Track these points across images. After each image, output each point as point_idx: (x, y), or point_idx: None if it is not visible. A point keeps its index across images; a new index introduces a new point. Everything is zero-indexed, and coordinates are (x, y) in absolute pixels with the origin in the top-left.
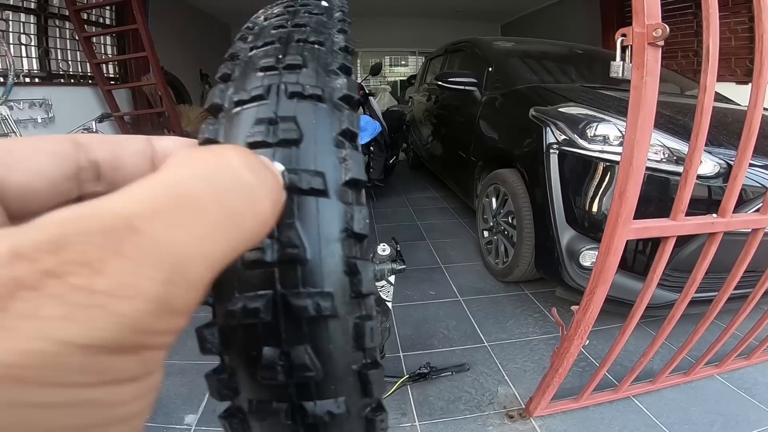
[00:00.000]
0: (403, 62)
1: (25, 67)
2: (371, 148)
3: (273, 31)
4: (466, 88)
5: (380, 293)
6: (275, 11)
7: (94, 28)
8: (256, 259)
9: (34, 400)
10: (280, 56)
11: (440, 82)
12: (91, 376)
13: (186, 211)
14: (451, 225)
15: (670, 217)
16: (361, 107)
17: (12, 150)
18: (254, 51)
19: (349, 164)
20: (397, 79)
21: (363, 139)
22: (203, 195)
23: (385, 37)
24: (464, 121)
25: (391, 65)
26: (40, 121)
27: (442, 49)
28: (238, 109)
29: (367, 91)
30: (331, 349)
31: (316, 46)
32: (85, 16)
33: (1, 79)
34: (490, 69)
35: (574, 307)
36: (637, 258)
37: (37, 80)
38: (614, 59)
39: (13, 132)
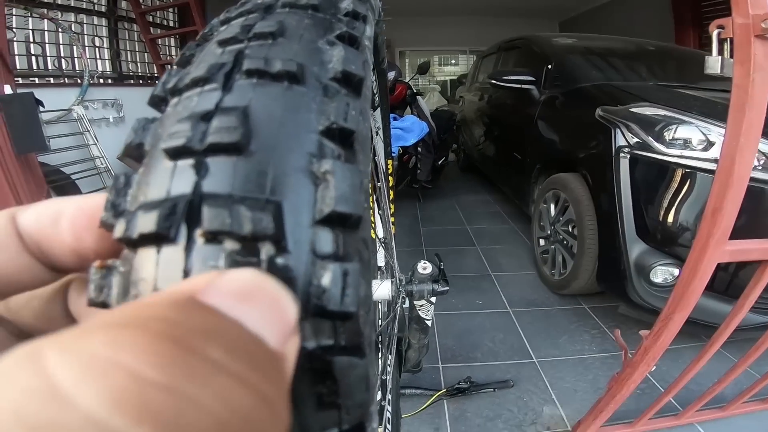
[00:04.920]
0: (453, 61)
1: (99, 68)
2: (419, 149)
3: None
4: (523, 86)
5: (419, 312)
6: None
7: (159, 31)
8: None
9: None
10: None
11: (494, 81)
12: None
13: None
14: (503, 231)
15: None
16: (408, 107)
17: None
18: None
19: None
20: (447, 78)
21: (409, 140)
22: None
23: (435, 36)
24: (520, 122)
25: (440, 64)
26: (111, 120)
27: (495, 46)
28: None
29: (415, 91)
30: None
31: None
32: (150, 19)
33: (78, 80)
34: (549, 66)
35: (643, 332)
36: (719, 275)
37: (109, 81)
38: (710, 55)
39: (87, 131)
